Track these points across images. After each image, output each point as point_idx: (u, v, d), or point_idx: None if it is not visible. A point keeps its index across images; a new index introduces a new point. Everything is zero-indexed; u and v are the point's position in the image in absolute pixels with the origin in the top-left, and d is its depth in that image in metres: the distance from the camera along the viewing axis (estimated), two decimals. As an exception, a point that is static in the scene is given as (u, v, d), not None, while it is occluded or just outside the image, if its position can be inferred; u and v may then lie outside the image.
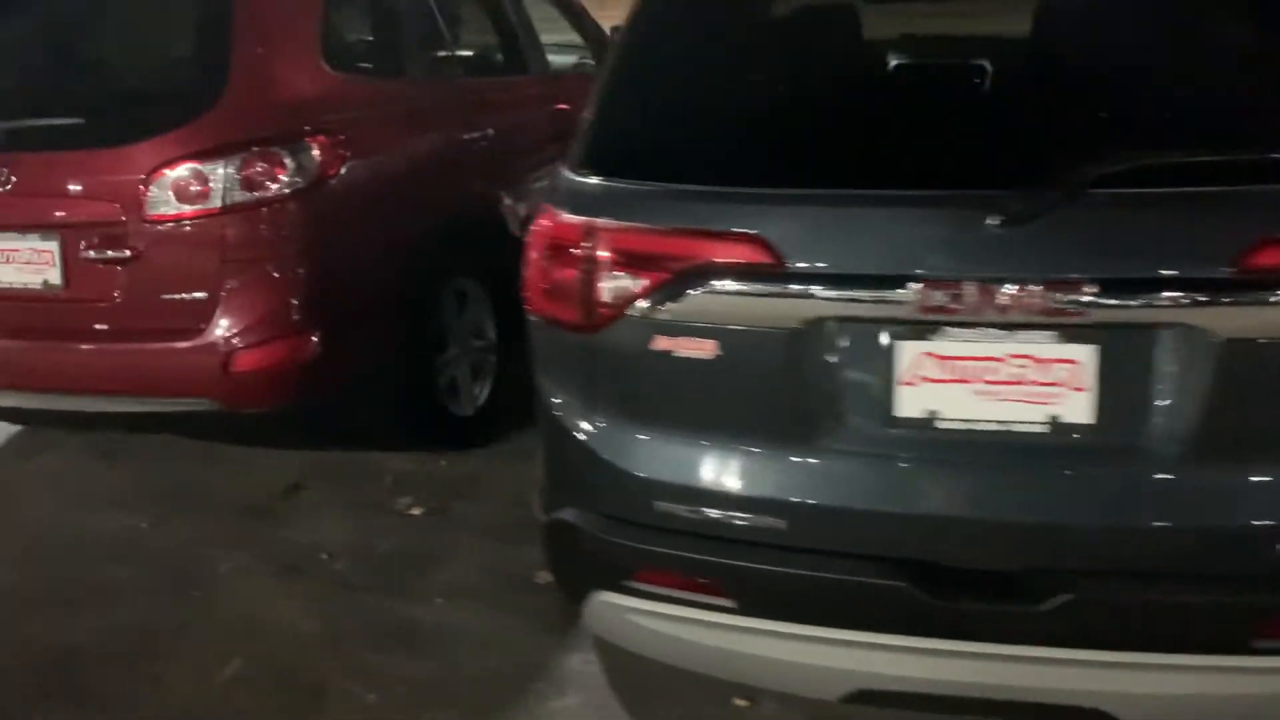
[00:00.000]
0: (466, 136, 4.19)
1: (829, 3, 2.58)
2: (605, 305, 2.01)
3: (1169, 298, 1.74)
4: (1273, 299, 1.72)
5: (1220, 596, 1.81)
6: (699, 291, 1.91)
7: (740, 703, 2.53)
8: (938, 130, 1.96)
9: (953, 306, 1.80)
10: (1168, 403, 1.80)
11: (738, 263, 1.90)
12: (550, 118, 4.76)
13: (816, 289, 1.87)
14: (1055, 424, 1.84)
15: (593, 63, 5.29)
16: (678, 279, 1.93)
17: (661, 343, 1.97)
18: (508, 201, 4.30)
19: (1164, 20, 1.98)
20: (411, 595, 3.07)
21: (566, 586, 2.32)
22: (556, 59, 5.23)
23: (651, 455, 2.05)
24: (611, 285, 2.00)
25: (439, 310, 3.87)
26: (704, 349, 1.95)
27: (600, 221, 2.02)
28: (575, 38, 5.52)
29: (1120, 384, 1.82)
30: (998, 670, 1.91)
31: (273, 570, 3.26)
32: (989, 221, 1.78)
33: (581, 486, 2.17)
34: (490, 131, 4.28)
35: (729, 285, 1.90)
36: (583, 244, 2.03)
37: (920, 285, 1.81)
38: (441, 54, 4.41)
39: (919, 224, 1.84)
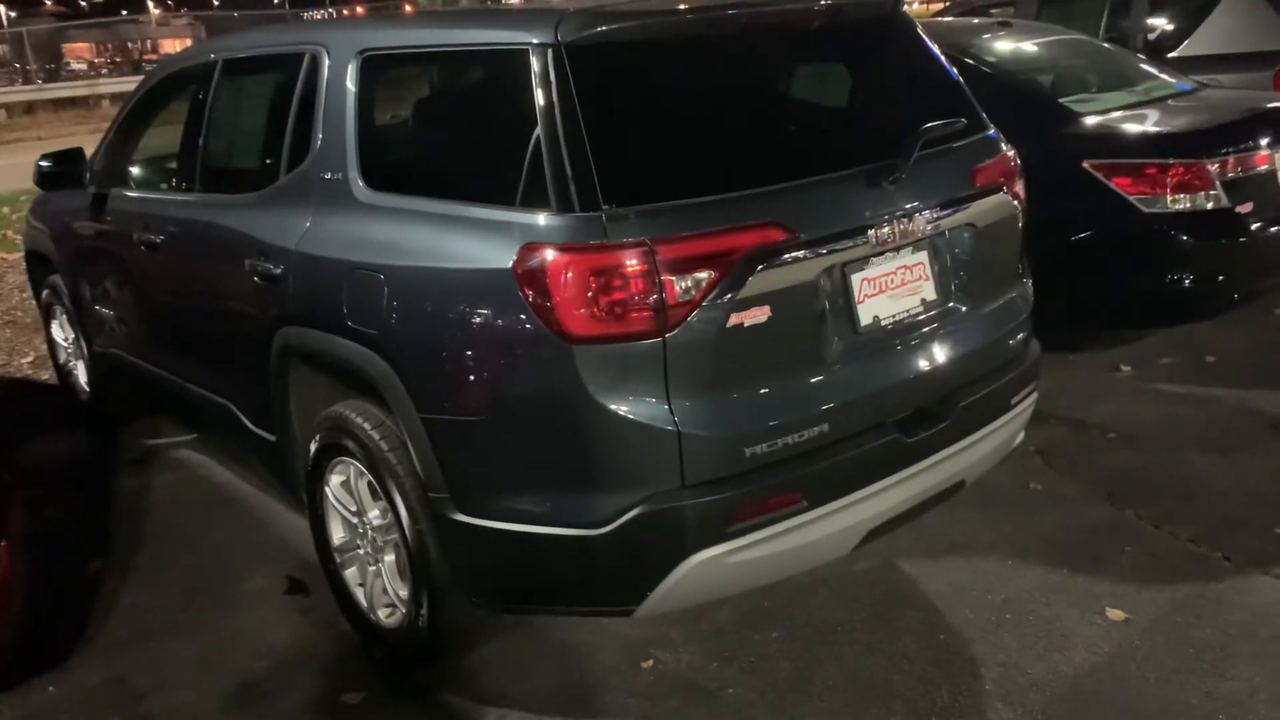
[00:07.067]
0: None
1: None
2: (678, 306, 2.42)
3: (960, 209, 2.94)
4: (990, 198, 3.04)
5: (1003, 377, 3.08)
6: (757, 271, 2.49)
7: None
8: (833, 126, 2.84)
9: (885, 242, 2.73)
10: (961, 273, 2.99)
11: (773, 243, 2.52)
12: None
13: (818, 248, 2.61)
14: (925, 303, 2.90)
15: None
16: (739, 266, 2.47)
17: (735, 319, 2.47)
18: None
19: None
20: None
21: (636, 580, 2.57)
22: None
23: (735, 414, 2.52)
24: (685, 286, 2.42)
25: None
26: (763, 314, 2.52)
27: (660, 237, 2.41)
28: None
29: (941, 270, 2.95)
30: (937, 473, 2.90)
31: None
32: (885, 183, 2.75)
33: (659, 472, 2.48)
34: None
35: (772, 261, 2.52)
36: (642, 262, 2.40)
37: (872, 230, 2.69)
38: None
39: (857, 191, 2.71)
